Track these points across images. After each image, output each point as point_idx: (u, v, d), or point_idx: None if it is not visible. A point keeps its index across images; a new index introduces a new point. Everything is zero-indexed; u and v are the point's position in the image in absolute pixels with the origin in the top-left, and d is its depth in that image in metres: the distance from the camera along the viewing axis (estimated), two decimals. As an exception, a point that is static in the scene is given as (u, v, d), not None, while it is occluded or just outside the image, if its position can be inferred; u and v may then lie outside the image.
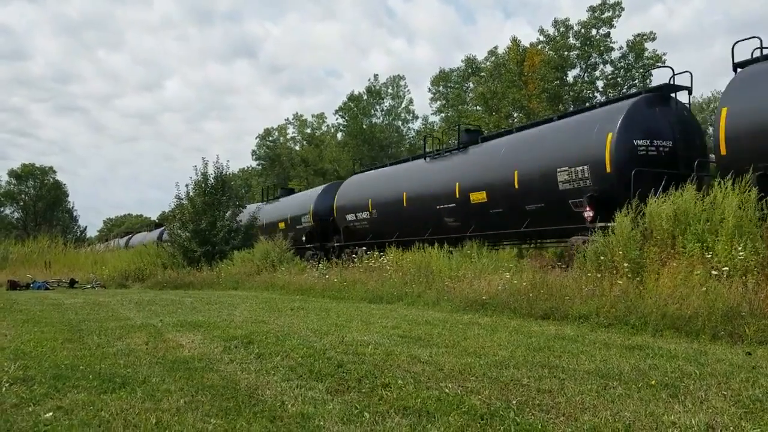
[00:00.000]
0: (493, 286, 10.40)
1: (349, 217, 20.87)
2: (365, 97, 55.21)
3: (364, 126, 53.69)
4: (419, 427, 3.44)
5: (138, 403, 3.99)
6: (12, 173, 68.96)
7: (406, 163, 20.60)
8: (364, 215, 20.08)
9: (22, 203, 68.88)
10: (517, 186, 13.85)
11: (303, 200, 24.79)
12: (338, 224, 21.71)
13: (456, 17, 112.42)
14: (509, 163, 14.28)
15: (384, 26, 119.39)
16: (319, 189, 24.42)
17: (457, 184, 15.87)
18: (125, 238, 48.68)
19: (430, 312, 10.02)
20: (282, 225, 25.39)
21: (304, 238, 22.91)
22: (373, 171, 22.39)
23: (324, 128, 62.31)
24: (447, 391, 4.26)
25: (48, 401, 4.06)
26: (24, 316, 9.91)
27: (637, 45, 37.22)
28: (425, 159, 18.40)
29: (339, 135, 57.89)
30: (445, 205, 16.26)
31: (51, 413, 3.74)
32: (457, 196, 15.80)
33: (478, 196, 15.10)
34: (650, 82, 37.25)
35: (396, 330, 7.50)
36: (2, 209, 68.47)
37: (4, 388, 4.39)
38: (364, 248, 18.66)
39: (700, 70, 71.65)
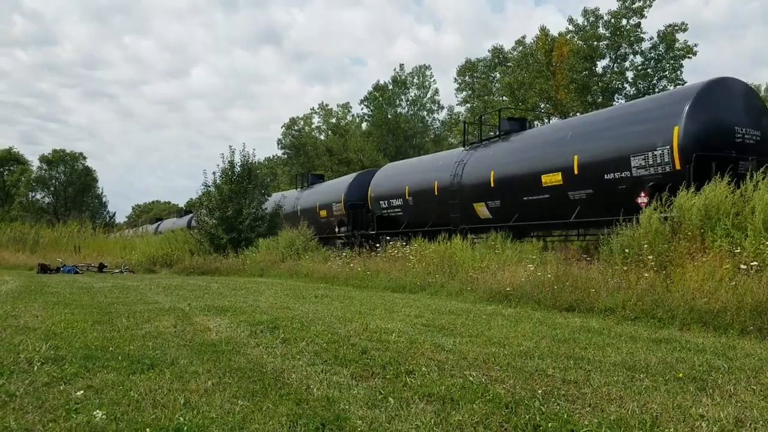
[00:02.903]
0: (517, 278, 10.34)
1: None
2: (390, 86, 55.08)
3: (389, 116, 53.60)
4: (444, 414, 3.44)
5: (166, 383, 4.05)
6: (43, 159, 70.17)
7: (291, 191, 32.57)
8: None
9: (52, 188, 70.06)
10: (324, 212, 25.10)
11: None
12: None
13: (485, 4, 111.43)
14: (316, 198, 26.11)
15: (411, 13, 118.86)
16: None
17: (315, 203, 26.41)
18: (155, 225, 49.21)
19: (453, 302, 10.01)
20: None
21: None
22: (292, 191, 34.50)
23: (349, 118, 62.35)
24: (471, 379, 4.26)
25: (78, 380, 4.15)
26: (54, 298, 10.11)
27: (668, 36, 36.55)
28: (297, 189, 30.28)
29: (364, 125, 57.88)
30: (308, 216, 25.99)
31: (81, 392, 3.82)
32: (299, 213, 26.72)
33: (322, 213, 25.38)
34: (681, 73, 36.67)
35: (419, 319, 7.51)
36: (33, 194, 69.75)
37: (36, 368, 4.49)
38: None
39: (733, 62, 70.15)
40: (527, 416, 3.41)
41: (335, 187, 25.24)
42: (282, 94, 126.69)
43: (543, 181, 14.37)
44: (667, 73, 37.37)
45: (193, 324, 6.92)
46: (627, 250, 9.64)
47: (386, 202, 20.96)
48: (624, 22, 36.93)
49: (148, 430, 3.13)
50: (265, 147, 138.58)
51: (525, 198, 15.01)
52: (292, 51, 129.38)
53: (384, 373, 4.44)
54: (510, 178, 15.68)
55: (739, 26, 77.32)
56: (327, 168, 54.46)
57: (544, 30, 39.48)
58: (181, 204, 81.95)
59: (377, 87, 55.06)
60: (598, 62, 38.42)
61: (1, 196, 70.83)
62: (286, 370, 4.50)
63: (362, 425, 3.25)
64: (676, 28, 36.72)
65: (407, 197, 19.83)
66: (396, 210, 20.51)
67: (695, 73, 74.43)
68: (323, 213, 25.13)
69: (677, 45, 36.67)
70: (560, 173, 13.88)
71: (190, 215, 36.16)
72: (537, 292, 9.44)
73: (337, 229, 23.68)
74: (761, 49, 70.43)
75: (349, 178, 24.76)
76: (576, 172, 13.45)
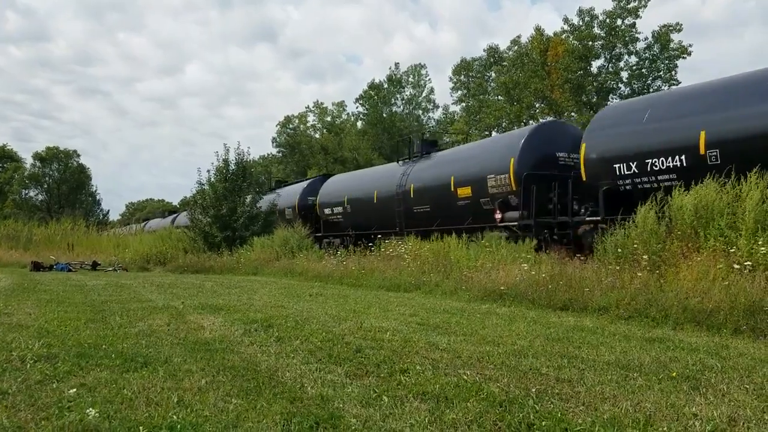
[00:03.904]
0: (512, 277, 10.35)
1: (327, 210, 24.20)
2: (386, 85, 55.06)
3: (384, 115, 53.58)
4: (438, 412, 3.45)
5: (160, 382, 4.04)
6: (36, 156, 69.76)
7: (380, 166, 25.73)
8: (339, 209, 23.38)
9: (46, 186, 69.68)
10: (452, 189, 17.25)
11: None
12: (319, 216, 24.87)
13: (481, 2, 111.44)
14: (449, 170, 17.64)
15: (407, 10, 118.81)
16: (304, 183, 28.09)
17: (449, 177, 18.32)
18: (169, 218, 48.90)
19: (448, 301, 10.02)
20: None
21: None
22: (349, 173, 27.40)
23: (344, 116, 62.32)
24: (465, 378, 4.26)
25: (71, 378, 4.14)
26: (48, 296, 10.07)
27: (662, 36, 36.65)
28: (398, 162, 21.26)
29: (359, 123, 57.84)
30: (430, 197, 18.59)
31: (74, 390, 3.81)
32: (411, 193, 19.05)
33: (461, 192, 17.22)
34: (675, 73, 36.77)
35: (414, 317, 7.51)
36: (26, 191, 69.36)
37: (28, 365, 4.47)
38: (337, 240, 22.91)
39: (732, 61, 70.53)
40: (521, 415, 3.41)
41: (492, 150, 16.56)
42: (277, 91, 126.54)
43: None
44: (661, 73, 37.48)
45: (187, 322, 6.91)
46: (620, 250, 9.66)
47: (629, 165, 11.76)
48: (619, 22, 37.01)
49: (141, 428, 3.11)
50: (260, 145, 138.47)
51: None
52: (288, 48, 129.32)
53: (378, 371, 4.44)
54: None
55: (739, 25, 77.54)
56: (322, 167, 54.46)
57: (539, 30, 39.55)
58: (175, 202, 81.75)
59: (372, 86, 55.02)
60: (592, 62, 38.48)
61: (-6, 193, 70.47)
62: (280, 369, 4.49)
63: (356, 423, 3.25)
64: (670, 28, 36.85)
65: (703, 152, 10.35)
66: (660, 178, 11.26)
67: (692, 72, 74.53)
68: (464, 192, 16.97)
69: (672, 45, 36.78)
70: None
71: None
72: (531, 291, 9.45)
73: (498, 216, 15.58)
74: (761, 47, 70.65)
75: (522, 133, 15.92)
76: None
